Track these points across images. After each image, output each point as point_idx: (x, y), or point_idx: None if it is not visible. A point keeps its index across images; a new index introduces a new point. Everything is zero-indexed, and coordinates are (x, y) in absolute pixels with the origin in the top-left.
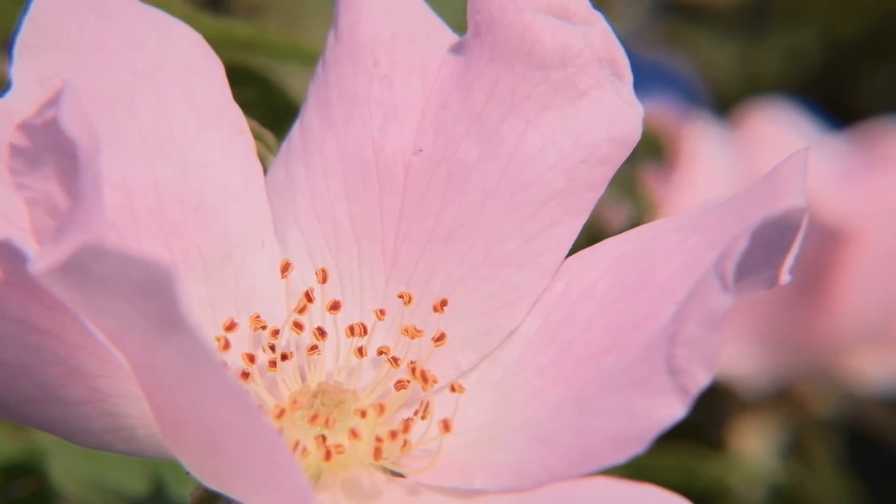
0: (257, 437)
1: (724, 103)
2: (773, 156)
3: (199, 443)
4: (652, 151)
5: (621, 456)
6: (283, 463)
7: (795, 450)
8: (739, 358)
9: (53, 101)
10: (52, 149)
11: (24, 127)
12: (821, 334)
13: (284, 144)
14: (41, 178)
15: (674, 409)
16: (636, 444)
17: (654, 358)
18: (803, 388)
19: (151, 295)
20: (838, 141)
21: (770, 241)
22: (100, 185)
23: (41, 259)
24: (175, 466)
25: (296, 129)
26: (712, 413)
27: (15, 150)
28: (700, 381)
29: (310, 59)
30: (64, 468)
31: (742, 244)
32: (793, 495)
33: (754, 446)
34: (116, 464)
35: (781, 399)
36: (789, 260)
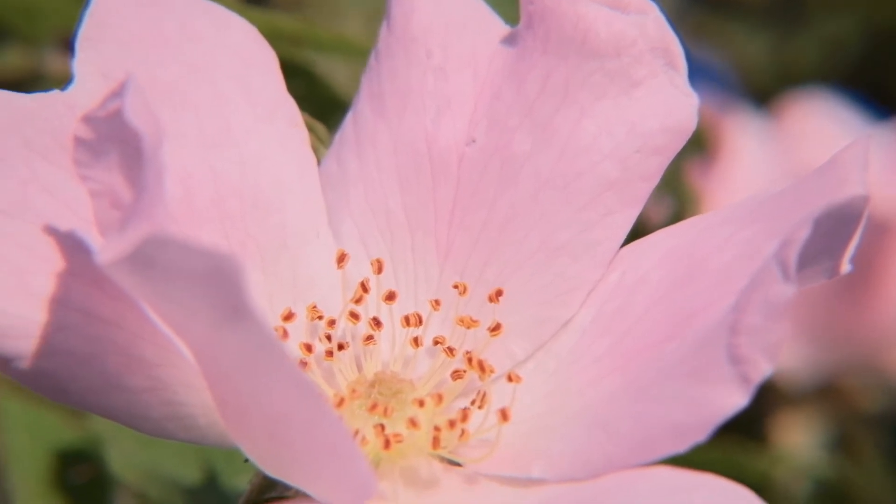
0: (321, 424)
1: (759, 96)
2: (815, 147)
3: (262, 431)
4: (694, 144)
5: (682, 445)
6: (347, 450)
7: (841, 444)
8: (786, 352)
9: (117, 94)
10: (115, 141)
11: (88, 119)
12: (867, 328)
13: (337, 136)
14: (105, 170)
15: (735, 398)
16: (697, 433)
17: (715, 347)
18: (849, 382)
19: (216, 284)
20: (881, 131)
21: (831, 230)
22: (163, 176)
23: (107, 250)
24: (229, 456)
25: (348, 121)
26: (757, 408)
27: (79, 142)
28: (762, 370)
29: (355, 52)
30: (121, 455)
31: (804, 233)
32: (839, 490)
33: (799, 441)
34: (171, 452)
35: (827, 394)
36: (850, 250)
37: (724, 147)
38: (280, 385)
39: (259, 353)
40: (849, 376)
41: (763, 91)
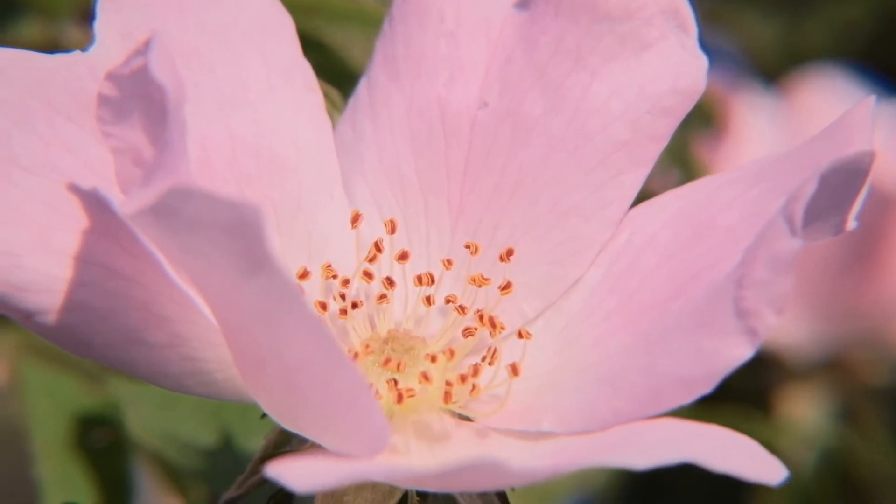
0: (337, 374)
1: (770, 80)
2: (823, 123)
3: (279, 382)
4: (702, 119)
5: (689, 396)
6: (362, 400)
7: (846, 417)
8: (790, 326)
9: (141, 51)
10: (139, 98)
11: (113, 76)
12: (873, 302)
13: (351, 101)
14: (128, 127)
15: (742, 350)
16: (703, 385)
17: (722, 300)
18: (854, 356)
19: (239, 234)
20: (891, 107)
21: (838, 185)
22: (185, 132)
23: (131, 201)
24: (244, 418)
25: (362, 86)
26: (762, 381)
27: (103, 100)
28: (768, 323)
29: (373, 22)
30: (139, 419)
31: (810, 188)
32: (842, 460)
33: (805, 413)
34: (188, 415)
35: (832, 367)
36: (856, 206)
37: (733, 123)
38: (298, 335)
39: (279, 302)
40: (854, 350)
41: (774, 75)
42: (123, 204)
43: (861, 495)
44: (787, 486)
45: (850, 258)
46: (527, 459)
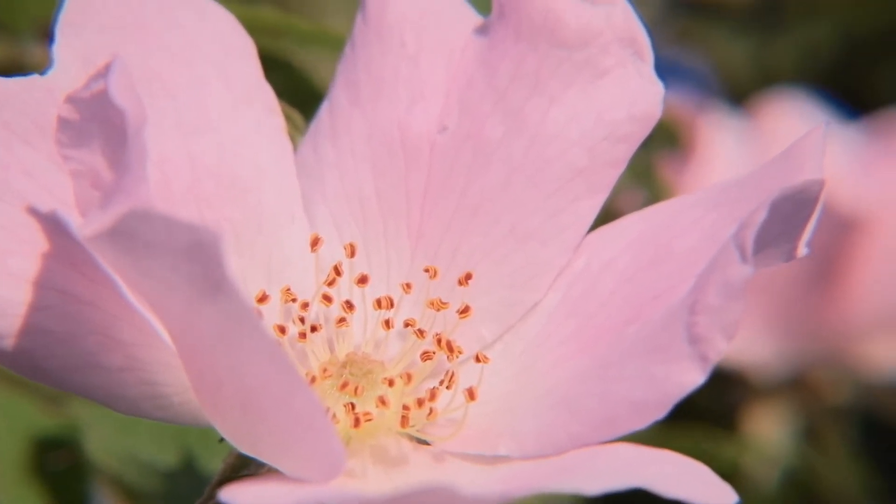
0: (294, 398)
1: (739, 99)
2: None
3: (236, 406)
4: (668, 139)
5: (642, 422)
6: (319, 424)
7: (809, 436)
8: (754, 345)
9: (102, 74)
10: (99, 121)
11: (73, 99)
12: (835, 322)
13: (313, 124)
14: (87, 151)
15: (693, 376)
16: (657, 410)
17: (675, 326)
18: (817, 375)
19: (197, 257)
20: (854, 130)
21: (788, 213)
22: (145, 155)
23: (89, 224)
24: (205, 441)
25: (324, 109)
26: (726, 400)
27: (62, 123)
28: (719, 349)
29: (337, 44)
30: (99, 441)
31: (761, 216)
32: (806, 480)
33: (769, 432)
34: (149, 438)
35: (795, 386)
36: (806, 234)
37: (700, 144)
38: (256, 359)
39: (236, 326)
40: (817, 370)
41: (743, 94)
42: (81, 227)
43: None
44: (752, 500)
45: (814, 279)
46: (480, 484)
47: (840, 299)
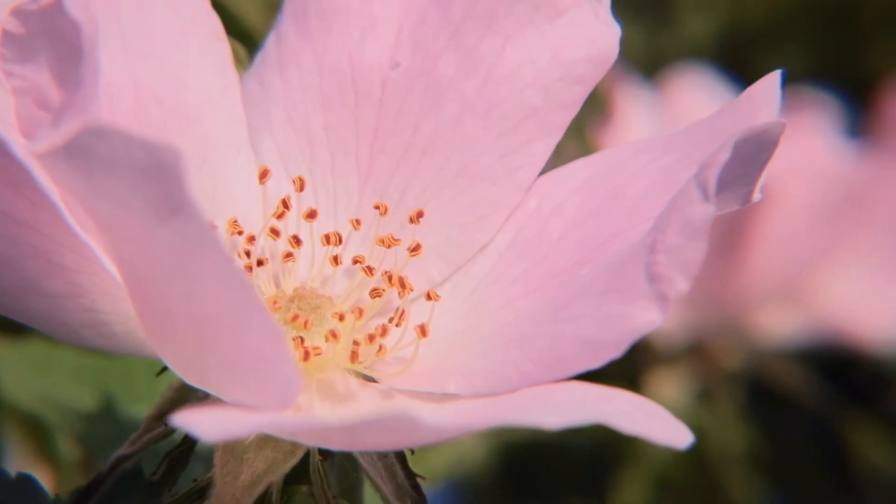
0: (253, 322)
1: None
2: (693, 116)
3: (187, 334)
4: (595, 104)
5: (597, 361)
6: (278, 349)
7: (704, 399)
8: None
9: None
10: (47, 35)
11: (19, 13)
12: (735, 292)
13: (259, 56)
14: (33, 67)
15: (652, 315)
16: (612, 349)
17: (633, 266)
18: (714, 342)
19: (156, 176)
20: None
21: (749, 155)
22: (98, 73)
23: (42, 140)
24: (126, 383)
25: (271, 41)
26: (630, 365)
27: (7, 37)
28: (679, 288)
29: None
30: (14, 381)
31: (724, 155)
32: (697, 440)
33: (670, 394)
34: (67, 379)
35: (694, 352)
36: (763, 177)
37: (616, 112)
38: (214, 282)
39: (195, 247)
40: (715, 337)
41: (642, 74)
42: (34, 142)
43: (710, 473)
44: (645, 464)
45: (715, 251)
46: (438, 416)
47: (740, 271)
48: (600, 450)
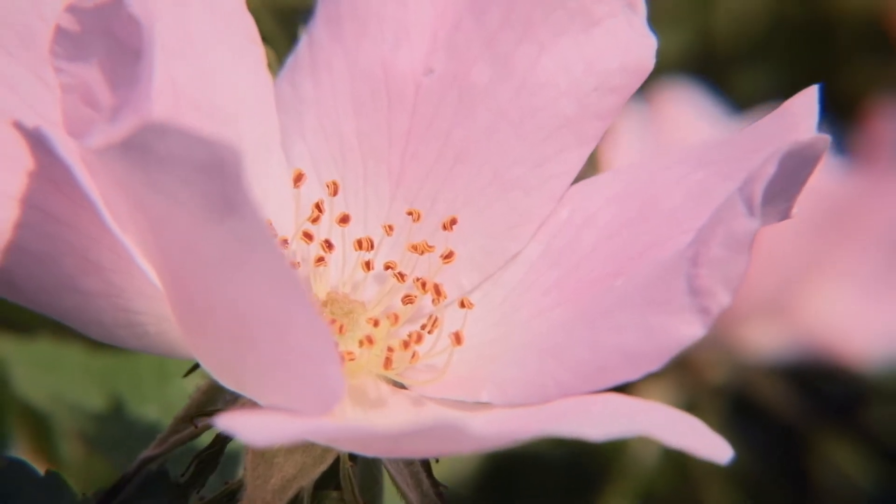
0: (301, 322)
1: None
2: (681, 129)
3: (229, 332)
4: None
5: (636, 372)
6: (326, 350)
7: (689, 410)
8: None
9: None
10: (101, 33)
11: (74, 10)
12: None
13: (291, 59)
14: (84, 64)
15: (693, 329)
16: (652, 362)
17: (675, 278)
18: (700, 356)
19: (216, 174)
20: (737, 122)
21: (792, 170)
22: (153, 72)
23: (98, 135)
24: (134, 384)
25: (303, 45)
26: None
27: (61, 34)
28: (722, 302)
29: None
30: (24, 378)
31: (770, 169)
32: (682, 453)
33: None
34: (75, 379)
35: (681, 366)
36: (801, 193)
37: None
38: (265, 281)
39: (249, 246)
40: (701, 351)
41: None
42: (87, 138)
43: (693, 486)
44: (632, 477)
45: None
46: (482, 425)
47: None
48: (583, 463)
